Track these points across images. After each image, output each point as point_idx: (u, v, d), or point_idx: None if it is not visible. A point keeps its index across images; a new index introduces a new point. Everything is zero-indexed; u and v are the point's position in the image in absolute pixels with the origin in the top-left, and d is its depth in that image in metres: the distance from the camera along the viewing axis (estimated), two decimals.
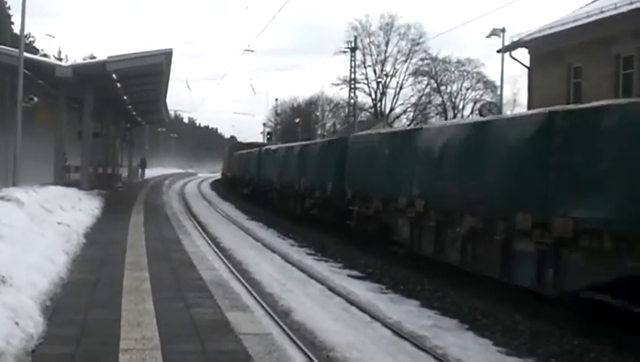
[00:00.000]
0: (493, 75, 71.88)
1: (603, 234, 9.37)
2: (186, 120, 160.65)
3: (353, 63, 66.25)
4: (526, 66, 30.07)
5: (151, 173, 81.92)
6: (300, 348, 8.36)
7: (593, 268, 9.72)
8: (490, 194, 12.31)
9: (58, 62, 39.29)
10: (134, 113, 50.65)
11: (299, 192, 26.31)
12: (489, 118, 16.01)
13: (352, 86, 66.94)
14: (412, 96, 77.99)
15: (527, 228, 10.90)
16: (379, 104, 78.65)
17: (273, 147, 37.66)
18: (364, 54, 75.26)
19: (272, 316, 10.12)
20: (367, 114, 79.00)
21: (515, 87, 69.27)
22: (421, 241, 15.21)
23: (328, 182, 22.20)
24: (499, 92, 55.54)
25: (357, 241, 18.97)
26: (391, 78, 76.46)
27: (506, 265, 11.66)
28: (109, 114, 44.01)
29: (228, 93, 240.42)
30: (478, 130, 13.23)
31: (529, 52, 29.93)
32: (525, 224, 10.92)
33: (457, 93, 76.52)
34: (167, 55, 30.79)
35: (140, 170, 69.66)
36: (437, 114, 76.82)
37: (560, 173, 10.36)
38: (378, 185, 17.82)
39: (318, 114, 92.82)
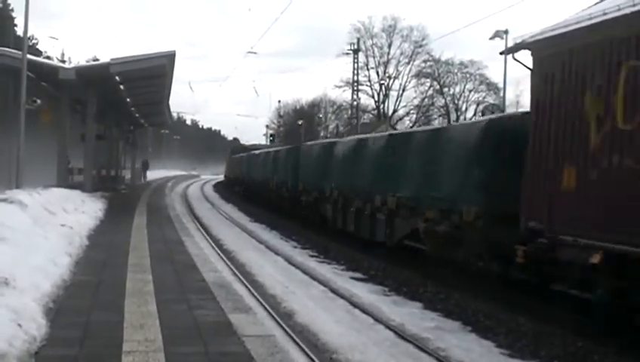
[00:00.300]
0: (496, 77, 72.08)
1: (406, 205, 16.24)
2: (189, 122, 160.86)
3: (356, 65, 66.44)
4: (529, 68, 30.04)
5: (154, 175, 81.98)
6: (302, 350, 8.37)
7: (403, 225, 16.83)
8: (363, 185, 19.33)
9: (61, 65, 39.37)
10: (137, 115, 50.68)
11: (272, 188, 33.56)
12: (364, 136, 23.70)
13: (355, 88, 67.06)
14: (415, 98, 77.97)
15: (379, 205, 17.77)
16: (382, 106, 78.63)
17: (257, 152, 45.03)
18: (366, 56, 75.33)
19: (274, 318, 10.12)
20: (370, 116, 79.03)
21: (517, 89, 69.45)
22: (336, 218, 22.32)
23: (289, 179, 29.24)
24: (502, 94, 55.66)
25: (306, 223, 25.32)
26: (394, 80, 76.51)
27: (372, 229, 18.78)
28: (112, 116, 44.04)
29: (231, 95, 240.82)
30: (357, 144, 20.76)
31: (532, 54, 29.88)
32: (378, 203, 17.79)
33: (460, 95, 76.56)
34: (171, 57, 30.82)
35: (142, 173, 69.67)
36: (440, 116, 76.81)
37: (391, 170, 17.30)
38: (315, 181, 24.63)
39: (320, 116, 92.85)
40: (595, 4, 28.83)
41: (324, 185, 23.01)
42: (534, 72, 13.42)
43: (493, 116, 18.49)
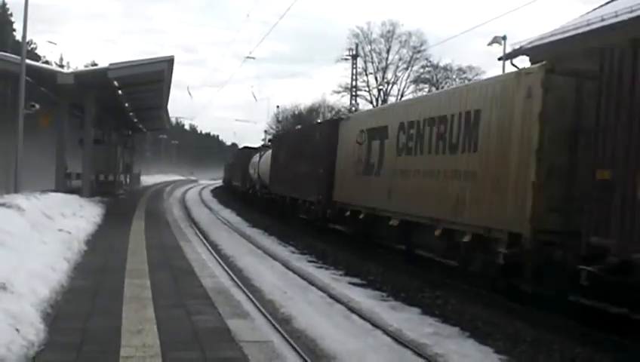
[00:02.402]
0: None
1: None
2: (187, 127, 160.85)
3: (354, 71, 66.26)
4: None
5: (152, 180, 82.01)
6: (300, 355, 8.36)
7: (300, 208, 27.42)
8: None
9: (60, 70, 39.30)
10: (136, 120, 50.65)
11: (246, 187, 44.41)
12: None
13: (354, 93, 66.97)
14: None
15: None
16: None
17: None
18: (365, 62, 75.15)
19: (272, 323, 10.12)
20: None
21: None
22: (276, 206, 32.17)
23: (248, 178, 41.90)
24: None
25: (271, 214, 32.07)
26: (392, 86, 76.30)
27: (294, 211, 27.84)
28: (111, 121, 44.03)
29: (229, 100, 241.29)
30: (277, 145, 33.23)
31: (530, 60, 29.96)
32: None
33: None
34: (169, 62, 30.80)
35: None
36: None
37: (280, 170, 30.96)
38: (264, 179, 35.75)
39: (319, 121, 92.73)
40: (594, 9, 28.90)
41: (265, 181, 35.61)
42: None
43: None
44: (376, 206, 19.10)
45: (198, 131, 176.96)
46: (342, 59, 69.99)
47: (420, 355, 8.92)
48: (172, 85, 37.64)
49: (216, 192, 66.90)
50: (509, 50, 31.99)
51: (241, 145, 78.21)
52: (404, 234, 17.52)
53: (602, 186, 9.97)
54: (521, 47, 30.13)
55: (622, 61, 9.79)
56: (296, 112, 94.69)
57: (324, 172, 23.79)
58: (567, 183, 11.54)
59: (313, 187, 24.94)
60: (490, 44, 34.62)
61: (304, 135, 29.83)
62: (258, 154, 40.08)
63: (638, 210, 9.27)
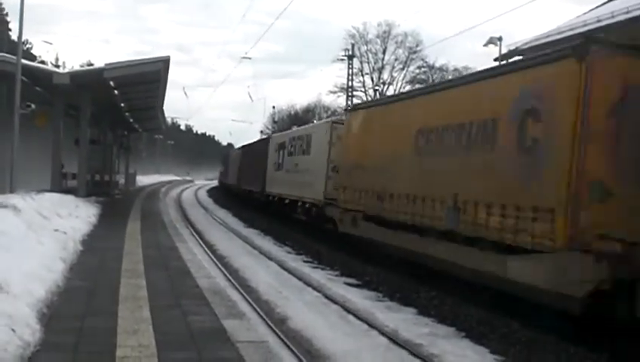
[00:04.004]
0: None
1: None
2: (183, 127, 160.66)
3: (350, 71, 66.13)
4: None
5: (148, 180, 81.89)
6: (296, 356, 8.37)
7: (253, 197, 40.01)
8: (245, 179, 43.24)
9: (55, 69, 39.22)
10: (131, 120, 50.61)
11: (232, 183, 53.40)
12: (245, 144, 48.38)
13: (350, 93, 66.92)
14: None
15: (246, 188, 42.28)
16: None
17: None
18: (361, 62, 75.22)
19: (268, 324, 10.12)
20: None
21: None
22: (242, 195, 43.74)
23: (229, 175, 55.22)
24: None
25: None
26: (388, 86, 76.31)
27: (252, 199, 39.35)
28: (106, 121, 43.98)
29: (225, 100, 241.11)
30: (250, 147, 45.48)
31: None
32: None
33: None
34: (165, 62, 30.78)
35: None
36: None
37: (244, 169, 44.72)
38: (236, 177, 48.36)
39: (315, 121, 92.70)
40: (590, 10, 28.95)
41: (240, 179, 47.21)
42: None
43: None
44: (283, 192, 30.32)
45: (194, 131, 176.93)
46: (338, 59, 69.88)
47: (415, 355, 8.94)
48: (168, 85, 37.62)
49: (212, 192, 66.88)
50: (504, 50, 32.08)
51: (237, 146, 78.43)
52: (291, 206, 28.62)
53: None
54: (516, 48, 30.17)
55: None
56: (292, 113, 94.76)
57: (261, 171, 35.80)
58: None
59: (257, 182, 36.90)
60: (486, 44, 34.80)
61: (254, 144, 45.41)
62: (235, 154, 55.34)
63: None
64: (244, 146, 51.23)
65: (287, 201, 29.17)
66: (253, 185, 38.39)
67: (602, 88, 10.12)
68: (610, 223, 9.92)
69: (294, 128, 35.63)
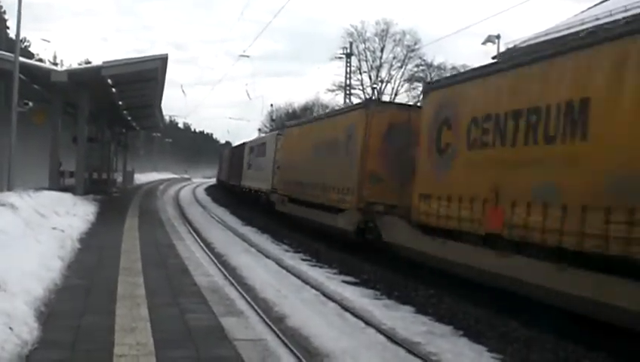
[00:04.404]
0: None
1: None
2: (180, 125, 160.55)
3: (348, 69, 66.08)
4: None
5: (145, 178, 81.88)
6: (294, 354, 8.36)
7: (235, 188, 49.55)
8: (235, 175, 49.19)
9: (53, 67, 39.23)
10: (129, 118, 50.57)
11: (224, 179, 62.20)
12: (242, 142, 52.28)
13: (348, 92, 66.87)
14: (407, 102, 77.82)
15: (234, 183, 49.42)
16: None
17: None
18: (359, 60, 75.10)
19: (266, 322, 10.11)
20: None
21: None
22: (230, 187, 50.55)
23: (222, 172, 64.43)
24: None
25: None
26: (386, 84, 76.25)
27: (234, 190, 49.13)
28: (104, 119, 43.94)
29: (223, 98, 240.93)
30: (235, 149, 55.17)
31: None
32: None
33: None
34: (163, 60, 30.76)
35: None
36: None
37: (231, 167, 52.93)
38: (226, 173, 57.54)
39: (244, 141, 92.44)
40: (588, 8, 29.00)
41: (230, 174, 54.06)
42: None
43: None
44: (250, 185, 40.17)
45: (192, 129, 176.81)
46: (336, 57, 69.94)
47: (413, 354, 8.93)
48: (165, 83, 37.61)
49: (210, 190, 66.86)
50: (503, 49, 32.12)
51: (234, 144, 78.57)
52: (256, 195, 38.03)
53: None
54: (515, 47, 30.23)
55: None
56: (290, 111, 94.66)
57: (239, 169, 46.37)
58: None
59: (238, 177, 46.76)
60: (484, 43, 34.80)
61: (237, 147, 54.37)
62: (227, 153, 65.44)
63: None
64: (232, 148, 62.37)
65: (253, 191, 39.37)
66: (236, 180, 48.33)
67: (375, 125, 19.28)
68: (379, 196, 18.68)
69: (260, 135, 48.32)
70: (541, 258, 11.04)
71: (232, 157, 53.67)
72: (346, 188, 20.35)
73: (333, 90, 75.67)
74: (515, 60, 14.21)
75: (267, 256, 18.16)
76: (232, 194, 51.20)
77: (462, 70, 70.97)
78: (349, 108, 24.63)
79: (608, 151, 9.83)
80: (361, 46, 74.81)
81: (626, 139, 9.50)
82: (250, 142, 45.78)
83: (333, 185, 21.62)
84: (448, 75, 72.94)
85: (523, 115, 11.92)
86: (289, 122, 40.73)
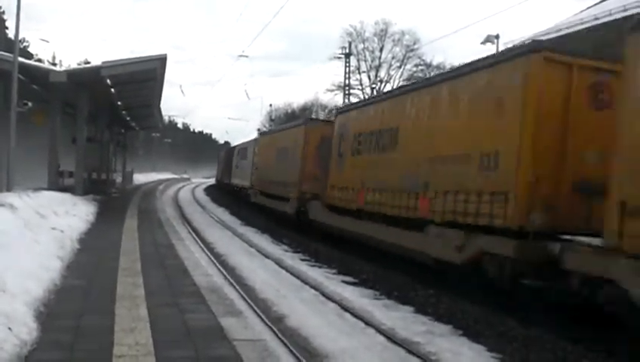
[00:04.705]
0: None
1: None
2: (180, 125, 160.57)
3: (347, 69, 66.10)
4: None
5: (145, 178, 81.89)
6: (293, 354, 8.36)
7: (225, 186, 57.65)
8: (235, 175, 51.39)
9: (52, 67, 39.22)
10: (128, 118, 50.60)
11: (219, 178, 67.09)
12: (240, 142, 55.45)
13: (347, 92, 66.91)
14: None
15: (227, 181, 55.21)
16: None
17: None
18: (358, 60, 75.25)
19: (265, 322, 10.11)
20: None
21: None
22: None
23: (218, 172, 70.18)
24: None
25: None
26: (385, 84, 76.31)
27: (225, 188, 57.27)
28: (103, 119, 43.95)
29: (222, 98, 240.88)
30: (228, 151, 59.99)
31: None
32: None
33: None
34: (162, 60, 30.79)
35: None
36: None
37: (225, 167, 58.73)
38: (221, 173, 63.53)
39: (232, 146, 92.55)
40: (588, 8, 28.99)
41: (227, 174, 56.20)
42: None
43: None
44: (237, 183, 46.92)
45: (191, 129, 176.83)
46: (335, 57, 70.05)
47: (413, 354, 8.93)
48: (164, 83, 37.64)
49: (209, 190, 66.87)
50: (502, 48, 32.08)
51: (233, 144, 78.69)
52: (240, 191, 44.39)
53: None
54: (514, 46, 30.17)
55: None
56: (289, 111, 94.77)
57: (229, 169, 53.43)
58: None
59: (228, 176, 54.07)
60: (483, 42, 34.79)
61: (229, 149, 61.23)
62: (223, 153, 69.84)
63: None
64: (226, 150, 66.47)
65: (239, 188, 46.12)
66: (227, 179, 55.33)
67: (311, 137, 25.50)
68: (314, 189, 24.34)
69: (244, 140, 51.60)
70: (379, 221, 17.91)
71: (226, 158, 60.17)
72: (288, 183, 27.48)
73: (332, 90, 75.85)
74: (370, 100, 27.35)
75: (266, 256, 18.16)
76: (226, 192, 55.99)
77: None
78: (294, 125, 31.13)
79: (401, 158, 17.01)
80: (360, 46, 75.02)
81: (409, 153, 16.51)
82: (239, 145, 53.02)
83: (285, 181, 28.22)
84: None
85: (374, 133, 19.02)
86: (262, 131, 53.96)
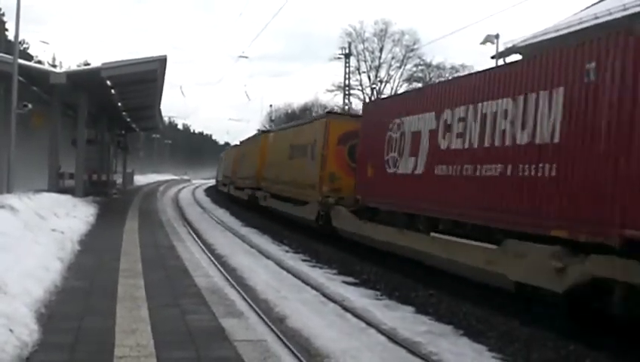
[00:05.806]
0: None
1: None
2: (180, 126, 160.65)
3: (347, 69, 66.16)
4: None
5: (145, 179, 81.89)
6: (294, 354, 8.35)
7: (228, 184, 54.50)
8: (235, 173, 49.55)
9: (52, 69, 39.16)
10: (129, 119, 50.56)
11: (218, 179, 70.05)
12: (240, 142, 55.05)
13: (347, 92, 66.92)
14: None
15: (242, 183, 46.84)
16: None
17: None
18: (358, 60, 75.19)
19: (266, 323, 10.10)
20: None
21: None
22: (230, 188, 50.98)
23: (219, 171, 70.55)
24: None
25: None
26: (385, 84, 76.30)
27: (228, 186, 53.96)
28: (104, 120, 43.94)
29: (222, 99, 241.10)
30: (238, 148, 52.07)
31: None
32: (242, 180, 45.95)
33: None
34: (162, 61, 30.74)
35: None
36: None
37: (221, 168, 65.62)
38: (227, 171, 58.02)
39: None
40: (587, 7, 28.98)
41: (227, 172, 55.70)
42: None
43: None
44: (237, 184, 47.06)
45: (191, 130, 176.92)
46: (335, 58, 70.05)
47: (414, 354, 8.93)
48: (165, 84, 37.61)
49: (209, 191, 66.88)
50: (501, 48, 32.06)
51: (233, 144, 78.98)
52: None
53: None
54: (513, 46, 30.18)
55: None
56: (289, 111, 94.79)
57: (227, 168, 55.99)
58: None
59: (230, 175, 53.12)
60: (483, 42, 34.71)
61: (227, 151, 64.15)
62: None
63: None
64: (224, 152, 69.88)
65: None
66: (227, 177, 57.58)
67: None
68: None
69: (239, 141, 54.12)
70: (299, 204, 25.01)
71: (222, 159, 64.89)
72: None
73: (332, 91, 75.80)
74: (300, 121, 33.40)
75: (267, 257, 18.16)
76: (226, 194, 56.00)
77: (461, 70, 70.95)
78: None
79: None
80: (360, 46, 74.98)
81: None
82: (238, 145, 55.52)
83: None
84: (448, 75, 73.30)
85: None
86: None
